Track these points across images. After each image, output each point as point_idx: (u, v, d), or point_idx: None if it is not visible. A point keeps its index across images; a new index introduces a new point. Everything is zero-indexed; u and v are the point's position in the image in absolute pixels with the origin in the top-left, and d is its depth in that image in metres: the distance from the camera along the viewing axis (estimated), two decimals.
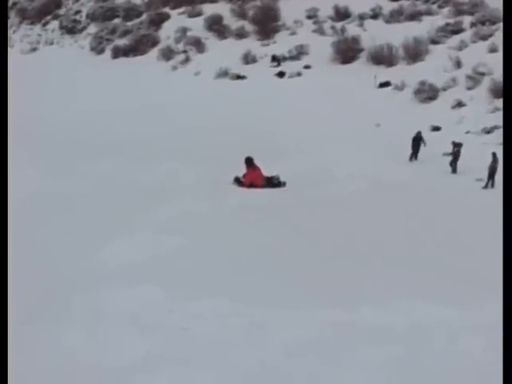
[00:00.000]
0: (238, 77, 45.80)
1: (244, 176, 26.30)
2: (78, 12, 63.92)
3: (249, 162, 26.44)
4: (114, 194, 23.37)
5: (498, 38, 41.91)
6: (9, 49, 63.06)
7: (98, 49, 56.32)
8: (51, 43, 62.20)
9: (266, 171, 26.52)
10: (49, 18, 66.98)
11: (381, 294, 14.97)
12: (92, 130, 35.16)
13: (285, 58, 46.93)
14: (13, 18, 70.90)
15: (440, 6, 48.56)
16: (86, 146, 31.08)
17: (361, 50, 45.31)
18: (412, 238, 20.37)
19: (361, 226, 21.51)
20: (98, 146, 31.39)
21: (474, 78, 38.86)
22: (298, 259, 17.31)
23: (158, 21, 56.00)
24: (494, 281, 16.04)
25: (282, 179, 26.56)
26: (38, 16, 67.82)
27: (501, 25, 43.54)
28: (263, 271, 16.54)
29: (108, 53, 55.14)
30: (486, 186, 27.76)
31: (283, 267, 16.67)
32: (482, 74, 39.02)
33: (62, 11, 67.00)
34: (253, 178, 26.16)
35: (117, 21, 59.20)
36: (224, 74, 46.30)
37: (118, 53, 54.31)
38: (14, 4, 73.38)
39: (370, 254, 18.23)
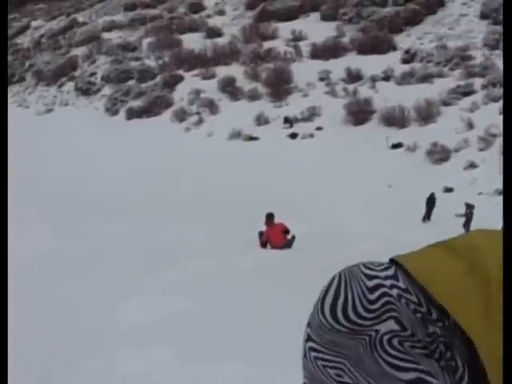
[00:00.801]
0: (251, 138, 46.08)
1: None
2: (93, 74, 64.77)
3: (268, 218, 24.96)
4: (125, 255, 23.25)
5: None
6: (24, 110, 63.95)
7: (112, 110, 56.90)
8: (66, 104, 62.92)
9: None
10: (64, 79, 67.87)
11: None
12: (105, 190, 35.26)
13: (297, 120, 47.23)
14: (29, 80, 71.95)
15: (451, 69, 48.98)
16: (99, 207, 31.12)
17: (373, 112, 45.58)
18: None
19: None
20: (110, 207, 31.43)
21: (486, 140, 38.95)
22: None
23: (172, 83, 56.62)
24: None
25: (296, 240, 26.16)
26: (54, 77, 68.75)
27: None
28: (276, 334, 16.36)
29: (122, 114, 55.69)
30: None
31: (296, 331, 16.49)
32: (494, 136, 39.11)
33: (77, 73, 67.88)
34: (270, 236, 24.79)
35: (131, 82, 59.92)
36: (237, 135, 46.60)
37: (132, 114, 54.82)
38: (31, 66, 74.52)
39: None
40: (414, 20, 59.27)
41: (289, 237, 25.12)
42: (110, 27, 76.95)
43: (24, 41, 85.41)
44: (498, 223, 29.21)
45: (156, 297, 17.68)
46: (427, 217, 31.92)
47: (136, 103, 56.18)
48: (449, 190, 35.04)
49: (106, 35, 74.28)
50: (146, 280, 20.22)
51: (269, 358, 14.96)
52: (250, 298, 20.22)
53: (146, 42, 67.90)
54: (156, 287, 18.35)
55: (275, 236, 24.85)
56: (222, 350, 14.68)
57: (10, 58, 71.68)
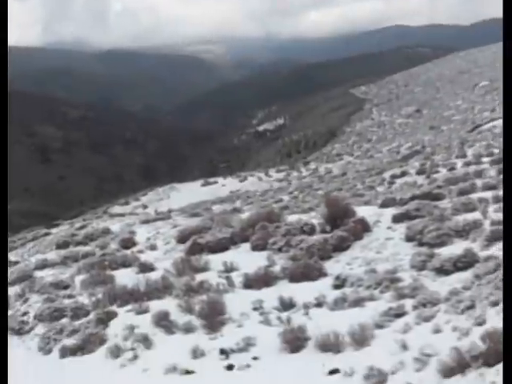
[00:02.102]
0: (187, 372, 45.40)
1: None
2: (25, 313, 63.96)
3: None
4: None
5: (440, 319, 42.86)
6: None
7: (45, 349, 55.71)
8: None
9: None
10: None
11: None
12: None
13: (233, 351, 46.88)
14: None
15: (381, 291, 49.86)
16: None
17: (307, 339, 45.64)
18: None
19: None
20: None
21: (421, 360, 39.10)
22: None
23: (106, 319, 56.07)
24: None
25: None
26: None
27: (442, 306, 44.85)
28: None
29: (56, 353, 54.53)
30: None
31: None
32: (429, 356, 39.30)
33: (9, 312, 66.98)
34: None
35: (64, 320, 59.18)
36: (173, 369, 45.80)
37: (65, 352, 53.64)
38: None
39: None
40: (341, 246, 60.72)
41: None
42: (43, 265, 77.12)
43: None
44: None
45: None
46: None
47: (70, 341, 55.12)
48: None
49: (38, 273, 74.24)
50: None
51: None
52: None
53: (78, 279, 67.93)
54: None
55: None
56: None
57: None
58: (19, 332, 60.49)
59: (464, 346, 37.49)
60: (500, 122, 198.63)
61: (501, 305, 40.37)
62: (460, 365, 36.39)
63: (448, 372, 36.42)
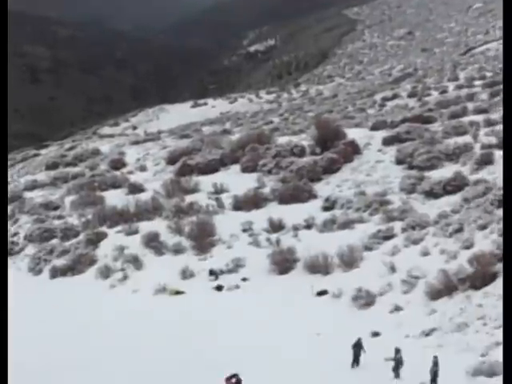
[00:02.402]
0: (177, 292, 45.76)
1: None
2: (15, 234, 64.12)
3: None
4: None
5: (428, 242, 43.18)
6: None
7: (35, 269, 56.06)
8: None
9: None
10: None
11: None
12: (30, 354, 34.32)
13: (222, 272, 47.25)
14: None
15: (371, 214, 50.09)
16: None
17: (297, 260, 45.97)
18: None
19: None
20: (33, 372, 30.63)
21: (409, 282, 39.52)
22: None
23: (96, 240, 56.33)
24: None
25: None
26: None
27: (430, 229, 45.12)
28: None
29: (46, 273, 54.85)
30: None
31: None
32: (417, 278, 39.74)
33: None
34: None
35: (54, 241, 59.40)
36: (162, 289, 46.23)
37: (55, 273, 54.05)
38: None
39: None
40: (332, 168, 60.92)
41: None
42: (33, 186, 77.03)
43: None
44: (426, 365, 29.28)
45: None
46: (356, 362, 31.82)
47: (60, 261, 55.51)
48: (376, 334, 35.13)
49: (28, 194, 74.19)
50: None
51: None
52: None
53: (68, 200, 67.95)
54: None
55: None
56: None
57: None
58: (10, 253, 60.64)
59: (451, 269, 37.79)
60: (493, 45, 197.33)
61: (489, 228, 40.62)
62: (447, 287, 36.71)
63: (435, 294, 36.78)
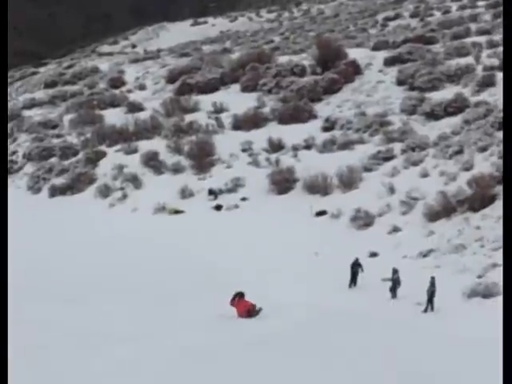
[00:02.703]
0: (176, 211, 45.91)
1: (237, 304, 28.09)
2: (14, 152, 64.04)
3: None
4: (48, 341, 22.80)
5: (428, 163, 43.12)
6: None
7: (34, 188, 56.14)
8: None
9: (206, 303, 27.32)
10: None
11: None
12: (28, 271, 34.52)
13: (221, 191, 47.32)
14: None
15: (371, 135, 49.90)
16: (22, 290, 30.41)
17: (296, 181, 46.00)
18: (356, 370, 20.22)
19: (299, 362, 21.38)
20: (33, 290, 30.80)
21: (408, 203, 39.62)
22: None
23: (95, 159, 56.25)
24: None
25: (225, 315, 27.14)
26: None
27: (430, 150, 45.04)
28: None
29: (45, 192, 54.95)
30: (425, 310, 27.91)
31: None
32: (416, 199, 39.83)
33: None
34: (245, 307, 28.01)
35: (53, 160, 59.33)
36: (162, 209, 46.38)
37: (55, 192, 54.15)
38: None
39: None
40: (332, 88, 60.43)
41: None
42: (31, 105, 76.53)
43: None
44: (423, 285, 29.36)
45: None
46: (353, 282, 32.06)
47: (59, 180, 55.55)
48: (374, 254, 35.35)
49: (26, 113, 73.81)
50: (73, 369, 19.71)
51: None
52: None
53: (67, 118, 67.62)
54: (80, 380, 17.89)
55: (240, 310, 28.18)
56: None
57: None
58: (9, 171, 60.67)
59: (450, 191, 37.83)
60: None
61: (489, 151, 40.51)
62: (446, 209, 36.81)
63: (434, 216, 36.90)
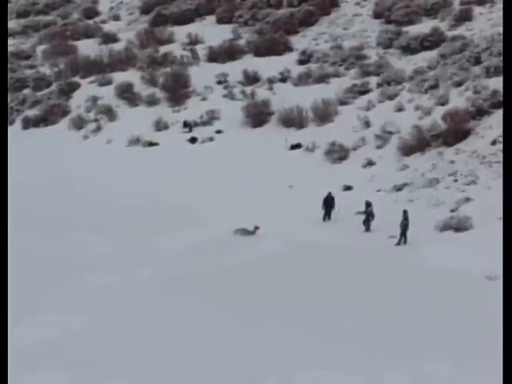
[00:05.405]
0: (151, 144, 45.71)
1: None
2: None
3: None
4: (22, 270, 22.85)
5: (403, 98, 43.11)
6: None
7: (7, 120, 55.59)
8: None
9: (180, 237, 27.16)
10: None
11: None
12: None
13: (196, 124, 47.11)
14: None
15: (347, 68, 49.67)
16: None
17: (271, 114, 45.85)
18: (326, 301, 20.50)
19: (275, 290, 21.61)
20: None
21: (383, 137, 39.69)
22: (208, 332, 17.26)
23: (68, 90, 55.59)
24: (407, 342, 16.03)
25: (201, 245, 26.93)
26: None
27: (406, 84, 44.97)
28: (174, 349, 16.28)
29: (18, 124, 54.41)
30: (398, 243, 28.32)
31: (192, 343, 16.59)
32: (390, 133, 39.89)
33: None
34: None
35: (26, 91, 58.59)
36: (136, 141, 46.15)
37: (28, 123, 53.61)
38: None
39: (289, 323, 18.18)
40: (308, 21, 59.83)
41: None
42: None
43: None
44: (396, 219, 29.66)
45: (52, 316, 17.32)
46: (327, 216, 32.35)
47: (32, 112, 54.95)
48: (348, 188, 35.56)
49: None
50: (43, 297, 19.82)
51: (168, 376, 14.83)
52: (152, 313, 20.08)
53: (40, 49, 66.58)
54: (53, 305, 18.03)
55: None
56: (118, 371, 14.47)
57: None
58: None
59: (425, 125, 37.92)
60: None
61: (464, 85, 40.53)
62: (420, 143, 36.94)
63: (408, 150, 37.04)
